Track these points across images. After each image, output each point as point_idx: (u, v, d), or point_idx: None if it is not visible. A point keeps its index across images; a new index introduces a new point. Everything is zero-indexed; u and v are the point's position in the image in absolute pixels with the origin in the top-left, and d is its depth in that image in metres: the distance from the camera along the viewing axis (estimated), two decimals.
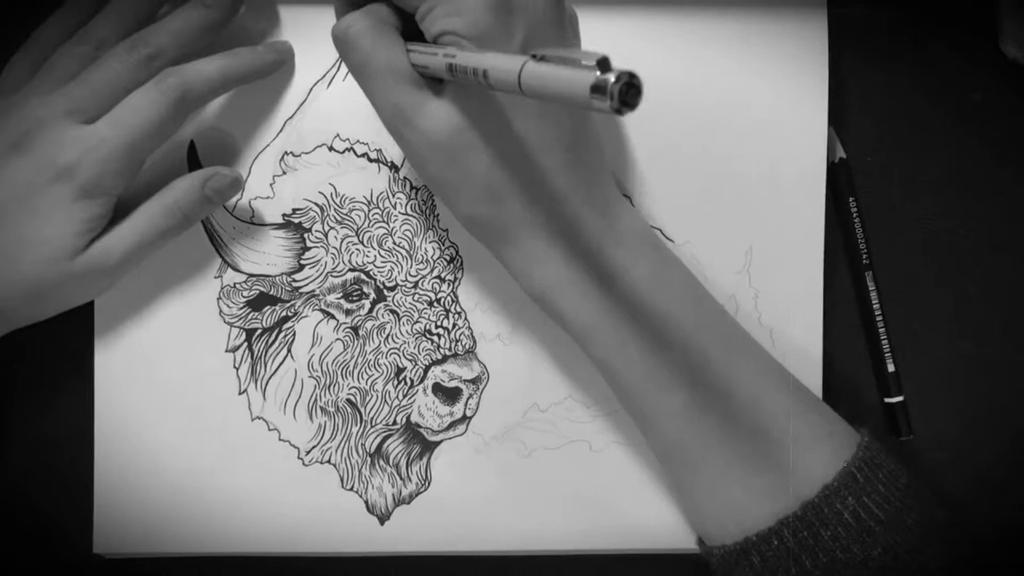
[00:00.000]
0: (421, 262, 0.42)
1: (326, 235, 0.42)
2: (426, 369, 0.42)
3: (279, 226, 0.42)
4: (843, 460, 0.36)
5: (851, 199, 0.42)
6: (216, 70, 0.39)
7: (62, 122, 0.37)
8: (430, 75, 0.34)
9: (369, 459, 0.42)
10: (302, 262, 0.42)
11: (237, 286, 0.42)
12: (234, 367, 0.42)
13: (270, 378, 0.42)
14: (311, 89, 0.42)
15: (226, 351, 0.42)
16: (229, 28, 0.40)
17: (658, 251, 0.37)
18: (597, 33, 0.41)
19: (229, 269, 0.42)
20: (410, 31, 0.35)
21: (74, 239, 0.37)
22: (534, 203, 0.35)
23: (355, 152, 0.42)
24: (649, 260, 0.37)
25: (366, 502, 0.42)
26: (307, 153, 0.42)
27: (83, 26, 0.39)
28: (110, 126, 0.37)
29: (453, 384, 0.42)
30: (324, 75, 0.42)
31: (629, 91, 0.25)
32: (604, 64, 0.25)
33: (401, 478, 0.42)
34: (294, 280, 0.42)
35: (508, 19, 0.32)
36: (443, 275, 0.42)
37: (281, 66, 0.41)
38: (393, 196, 0.42)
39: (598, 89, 0.25)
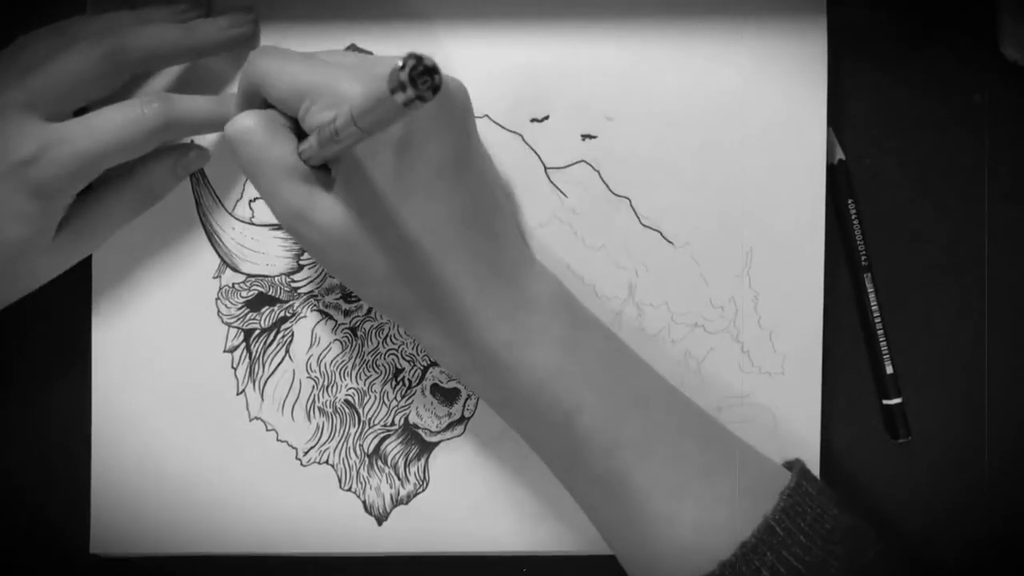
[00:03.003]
0: None
1: None
2: (424, 370, 0.42)
3: (278, 226, 0.42)
4: (763, 513, 0.35)
5: (850, 201, 0.42)
6: (205, 113, 0.38)
7: (20, 115, 0.36)
8: (316, 162, 0.34)
9: (367, 460, 0.42)
10: (301, 262, 0.42)
11: (236, 286, 0.42)
12: (232, 367, 0.42)
13: (268, 378, 0.42)
14: None
15: (224, 351, 0.42)
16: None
17: (571, 312, 0.37)
18: (597, 35, 0.41)
19: (228, 269, 0.42)
20: (302, 134, 0.35)
21: (32, 236, 0.37)
22: (437, 283, 0.34)
23: None
24: (562, 322, 0.36)
25: (364, 502, 0.42)
26: None
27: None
28: (80, 129, 0.36)
29: (451, 385, 0.42)
30: None
31: (422, 75, 0.24)
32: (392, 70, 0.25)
33: (399, 479, 0.42)
34: (293, 280, 0.42)
35: None
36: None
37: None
38: None
39: (394, 86, 0.24)
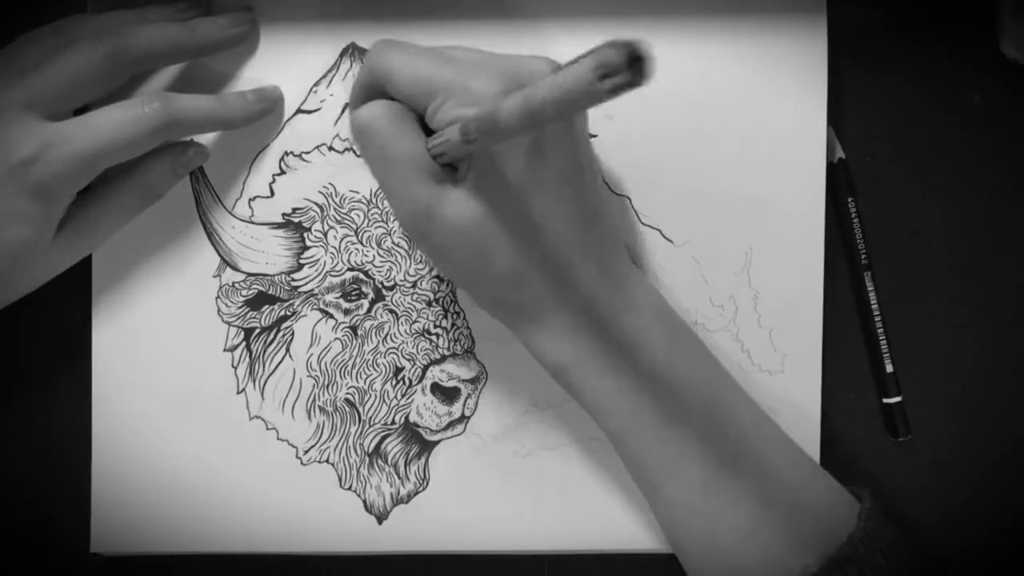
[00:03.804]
0: (420, 262, 0.42)
1: (325, 234, 0.42)
2: (424, 369, 0.42)
3: (278, 225, 0.42)
4: (846, 531, 0.35)
5: (850, 199, 0.42)
6: (205, 113, 0.38)
7: (20, 114, 0.36)
8: (447, 160, 0.34)
9: (367, 458, 0.42)
10: (301, 261, 0.42)
11: (236, 285, 0.42)
12: (232, 366, 0.42)
13: (268, 377, 0.42)
14: (311, 89, 0.42)
15: (224, 350, 0.42)
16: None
17: (673, 323, 0.37)
18: (597, 34, 0.41)
19: (228, 268, 0.42)
20: (426, 129, 0.35)
21: (33, 236, 0.37)
22: (553, 281, 0.35)
23: (355, 152, 0.42)
24: (664, 331, 0.37)
25: (364, 501, 0.42)
26: (307, 153, 0.42)
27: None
28: (81, 129, 0.36)
29: (452, 384, 0.42)
30: (325, 75, 0.42)
31: (635, 61, 0.23)
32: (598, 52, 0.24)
33: (399, 477, 0.42)
34: (293, 279, 0.42)
35: None
36: (442, 275, 0.42)
37: (269, 113, 0.41)
38: None
39: (604, 69, 0.23)
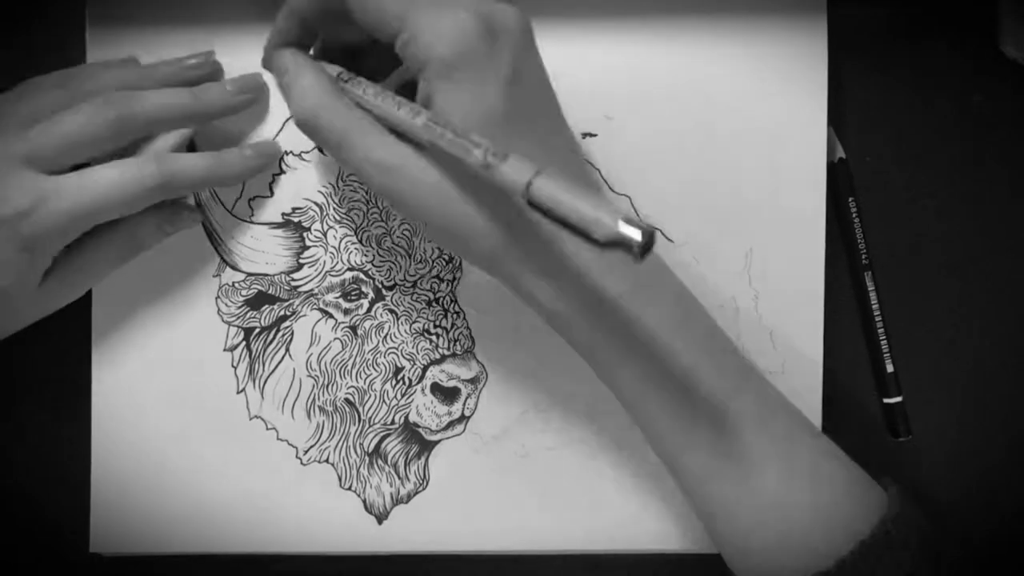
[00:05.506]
0: (420, 261, 0.42)
1: (325, 234, 0.42)
2: (424, 369, 0.42)
3: (278, 225, 0.42)
4: (877, 515, 0.35)
5: (851, 199, 0.42)
6: (203, 171, 0.38)
7: (19, 168, 0.36)
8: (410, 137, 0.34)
9: (367, 458, 0.42)
10: (301, 261, 0.42)
11: (236, 285, 0.42)
12: (232, 366, 0.42)
13: (268, 377, 0.42)
14: None
15: (224, 350, 0.42)
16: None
17: (680, 285, 0.37)
18: (597, 34, 0.41)
19: (228, 268, 0.42)
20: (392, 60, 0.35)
21: (18, 285, 0.37)
22: (540, 244, 0.34)
23: None
24: (674, 288, 0.36)
25: (364, 501, 0.42)
26: (307, 152, 0.42)
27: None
28: (76, 186, 0.36)
29: (451, 384, 0.42)
30: None
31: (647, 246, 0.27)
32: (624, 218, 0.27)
33: (399, 477, 0.42)
34: (293, 279, 0.42)
35: (493, 44, 0.32)
36: (441, 275, 0.42)
37: (268, 168, 0.41)
38: None
39: (622, 241, 0.27)
